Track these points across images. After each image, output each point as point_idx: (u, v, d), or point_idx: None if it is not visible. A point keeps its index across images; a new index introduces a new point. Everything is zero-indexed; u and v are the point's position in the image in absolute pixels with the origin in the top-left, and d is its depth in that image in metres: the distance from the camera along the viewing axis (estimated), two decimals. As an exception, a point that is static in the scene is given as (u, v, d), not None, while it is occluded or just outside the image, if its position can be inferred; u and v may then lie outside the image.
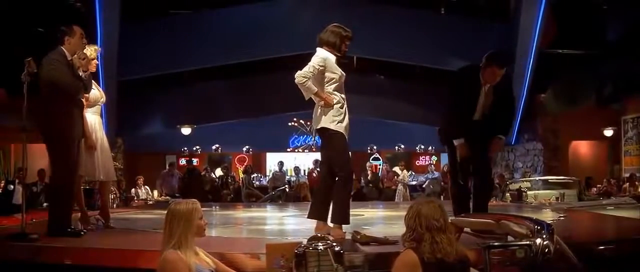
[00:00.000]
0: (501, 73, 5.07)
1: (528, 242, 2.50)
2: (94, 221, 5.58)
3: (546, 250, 2.48)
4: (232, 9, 14.72)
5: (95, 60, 5.41)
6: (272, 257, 3.20)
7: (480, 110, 5.18)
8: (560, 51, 14.25)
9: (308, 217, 4.79)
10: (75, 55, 4.95)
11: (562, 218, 6.50)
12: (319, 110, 4.65)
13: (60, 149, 4.79)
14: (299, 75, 4.54)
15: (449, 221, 2.97)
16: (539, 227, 2.56)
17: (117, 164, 14.87)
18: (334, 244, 3.15)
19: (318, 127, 4.67)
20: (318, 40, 4.75)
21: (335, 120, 4.59)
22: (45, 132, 4.77)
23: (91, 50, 5.38)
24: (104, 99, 5.65)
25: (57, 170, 4.85)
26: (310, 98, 4.67)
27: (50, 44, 4.99)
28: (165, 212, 3.17)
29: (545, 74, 14.32)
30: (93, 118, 5.43)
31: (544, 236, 2.50)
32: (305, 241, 3.24)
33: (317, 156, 17.73)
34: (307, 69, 4.56)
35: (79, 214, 5.58)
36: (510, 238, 3.04)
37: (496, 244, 2.75)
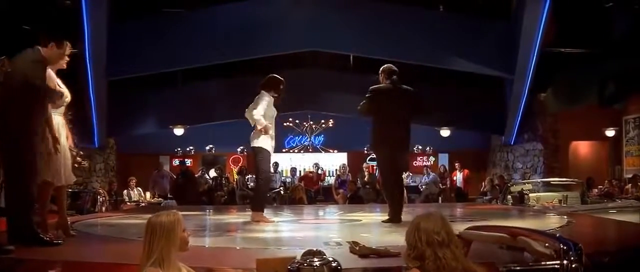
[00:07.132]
0: None
1: (555, 265, 2.21)
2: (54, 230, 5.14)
3: (575, 274, 2.18)
4: (226, 6, 14.40)
5: (67, 58, 4.98)
6: (263, 275, 2.93)
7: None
8: (562, 50, 14.05)
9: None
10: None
11: (568, 223, 6.21)
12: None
13: (26, 155, 4.44)
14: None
15: (456, 234, 2.71)
16: (565, 248, 2.26)
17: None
18: (330, 259, 2.88)
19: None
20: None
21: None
22: (11, 135, 4.41)
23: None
24: (69, 99, 5.16)
25: (18, 176, 4.44)
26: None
27: (37, 43, 4.68)
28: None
29: (546, 73, 14.10)
30: (58, 119, 4.98)
31: (573, 258, 2.20)
32: (299, 255, 2.96)
33: (314, 157, 17.55)
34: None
35: (56, 221, 5.21)
36: (526, 254, 2.76)
37: (518, 268, 2.46)
